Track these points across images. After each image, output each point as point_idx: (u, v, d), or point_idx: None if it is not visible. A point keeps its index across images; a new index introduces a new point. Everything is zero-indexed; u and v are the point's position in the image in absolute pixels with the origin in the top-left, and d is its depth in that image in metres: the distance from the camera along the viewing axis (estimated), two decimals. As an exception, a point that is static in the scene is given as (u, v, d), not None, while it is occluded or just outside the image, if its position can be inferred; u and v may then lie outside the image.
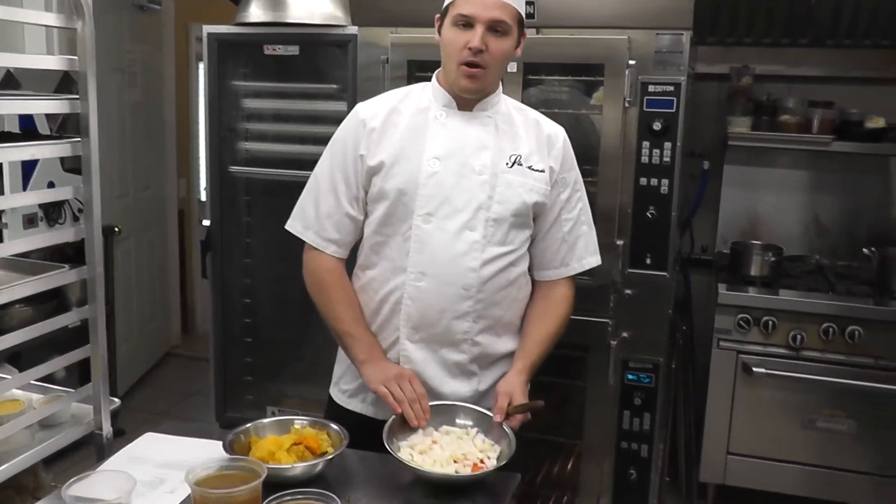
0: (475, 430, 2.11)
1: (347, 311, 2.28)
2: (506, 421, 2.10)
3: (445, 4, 2.19)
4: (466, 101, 2.24)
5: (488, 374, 2.32)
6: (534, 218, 2.29)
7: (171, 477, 1.92)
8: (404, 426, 2.07)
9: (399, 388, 2.11)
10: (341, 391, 2.42)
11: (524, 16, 2.20)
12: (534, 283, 2.39)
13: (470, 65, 2.13)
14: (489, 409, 2.15)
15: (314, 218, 2.30)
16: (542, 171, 2.26)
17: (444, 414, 2.13)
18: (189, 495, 1.81)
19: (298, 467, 1.84)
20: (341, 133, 2.31)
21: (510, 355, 2.32)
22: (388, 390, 2.11)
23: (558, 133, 2.35)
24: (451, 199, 2.18)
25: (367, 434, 2.06)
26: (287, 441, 1.94)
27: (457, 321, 2.22)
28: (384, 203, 2.22)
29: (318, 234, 2.30)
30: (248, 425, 2.02)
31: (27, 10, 2.07)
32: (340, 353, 2.44)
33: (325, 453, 1.93)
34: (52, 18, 2.07)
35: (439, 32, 2.22)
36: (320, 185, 2.30)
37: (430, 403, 2.13)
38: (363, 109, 2.29)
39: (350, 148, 2.26)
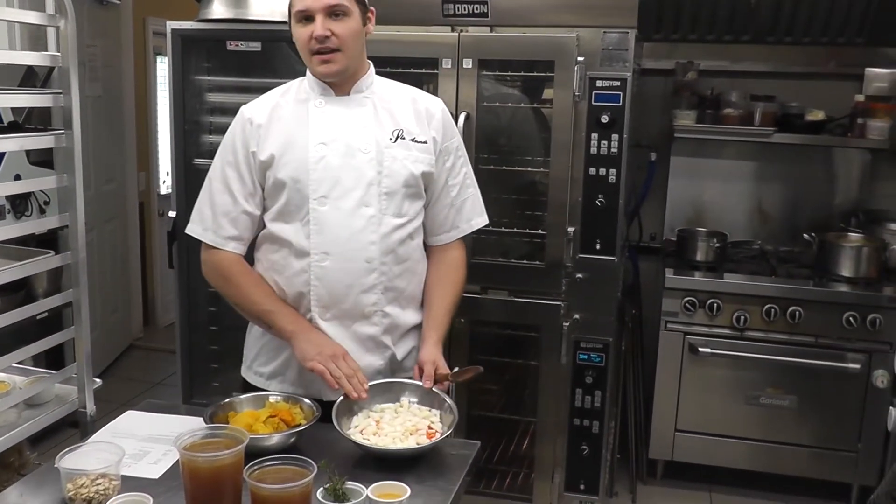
0: (407, 400, 2.22)
1: (260, 291, 2.33)
2: (437, 386, 2.22)
3: (288, 6, 2.28)
4: (341, 86, 2.32)
5: (400, 346, 2.41)
6: (425, 188, 2.39)
7: (154, 449, 2.04)
8: (341, 411, 2.13)
9: (335, 366, 2.18)
10: (258, 374, 2.45)
11: None
12: (428, 251, 2.49)
13: (321, 52, 2.23)
14: (410, 379, 2.28)
15: (211, 218, 2.34)
16: (425, 142, 2.35)
17: (378, 393, 2.22)
18: (172, 465, 1.95)
19: (275, 437, 1.97)
20: (230, 135, 2.35)
21: (417, 327, 2.44)
22: (325, 367, 2.18)
23: (436, 105, 2.42)
24: (342, 179, 2.25)
25: None
26: (263, 414, 2.07)
27: (364, 294, 2.29)
28: (282, 193, 2.29)
29: (216, 234, 2.33)
30: (226, 400, 2.14)
31: (13, 10, 2.16)
32: (249, 336, 2.50)
33: (298, 425, 2.06)
34: (36, 17, 2.17)
35: (292, 33, 2.30)
36: (213, 186, 2.35)
37: (372, 382, 2.22)
38: (247, 109, 2.36)
39: (240, 146, 2.31)
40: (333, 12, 2.20)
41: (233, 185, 2.32)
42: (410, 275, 2.39)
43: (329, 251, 2.26)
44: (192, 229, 2.38)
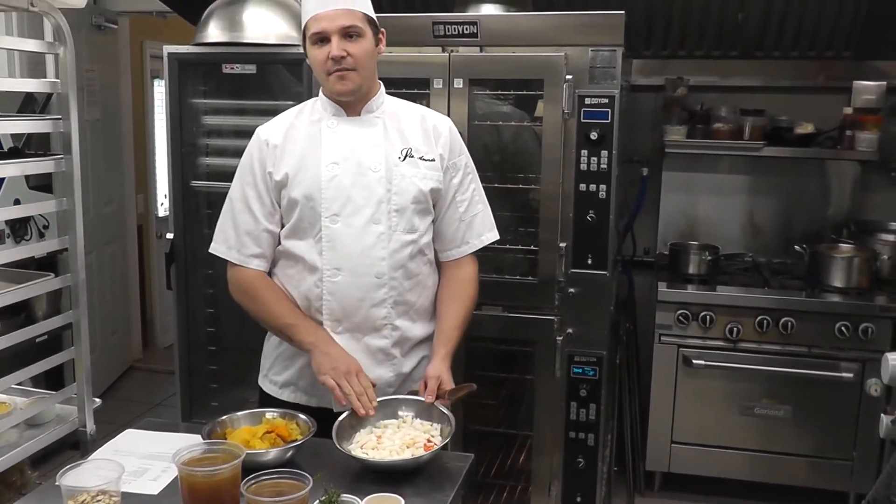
0: (409, 416, 2.26)
1: (282, 305, 2.41)
2: (437, 401, 2.27)
3: (302, 29, 2.36)
4: (353, 106, 2.41)
5: (409, 359, 2.49)
6: (434, 204, 2.46)
7: (154, 466, 2.08)
8: (344, 426, 2.17)
9: (347, 383, 2.24)
10: (272, 382, 2.54)
11: (374, 17, 2.36)
12: (440, 266, 2.56)
13: (337, 70, 2.30)
14: (415, 394, 2.33)
15: (234, 238, 2.43)
16: (433, 159, 2.43)
17: (379, 409, 2.25)
18: (171, 481, 1.99)
19: (272, 452, 2.01)
20: (247, 156, 2.44)
21: (427, 339, 2.50)
22: (337, 384, 2.24)
23: (444, 123, 2.51)
24: (353, 197, 2.34)
25: None
26: (260, 430, 2.11)
27: (375, 308, 2.38)
28: (295, 211, 2.37)
29: (239, 252, 2.43)
30: (224, 417, 2.18)
31: (13, 38, 2.22)
32: (267, 346, 2.59)
33: (294, 440, 2.10)
34: (35, 45, 2.23)
35: (307, 54, 2.38)
36: (235, 206, 2.44)
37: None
38: (263, 131, 2.45)
39: (257, 167, 2.41)
40: (348, 33, 2.29)
41: (253, 205, 2.42)
42: (421, 289, 2.47)
43: (340, 267, 2.35)
44: (216, 248, 2.48)
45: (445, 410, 2.24)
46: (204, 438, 2.05)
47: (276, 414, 2.22)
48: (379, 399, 2.28)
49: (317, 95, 2.49)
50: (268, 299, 2.42)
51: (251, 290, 2.44)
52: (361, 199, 2.34)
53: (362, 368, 2.31)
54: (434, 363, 2.38)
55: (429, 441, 2.13)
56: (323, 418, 2.21)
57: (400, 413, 2.26)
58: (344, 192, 2.34)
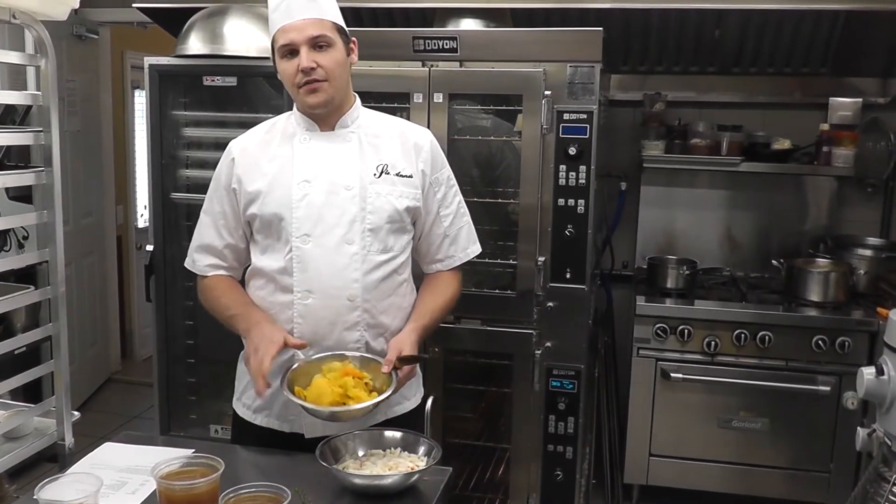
0: (397, 449, 2.18)
1: (230, 296, 2.39)
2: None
3: (271, 42, 2.30)
4: (326, 121, 2.35)
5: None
6: (413, 222, 2.42)
7: (132, 480, 2.07)
8: (325, 454, 2.08)
9: (250, 367, 2.19)
10: (245, 406, 2.47)
11: (343, 25, 2.31)
12: (422, 276, 2.54)
13: (308, 83, 2.25)
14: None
15: (196, 248, 2.46)
16: (411, 175, 2.37)
17: (368, 441, 2.18)
18: (149, 494, 1.98)
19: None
20: (218, 169, 2.43)
21: None
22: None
23: (425, 137, 2.45)
24: (325, 217, 2.28)
25: (275, 447, 2.26)
26: (333, 379, 2.15)
27: (347, 332, 2.31)
28: (265, 229, 2.33)
29: (200, 261, 2.46)
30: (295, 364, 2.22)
31: (-1, 50, 2.22)
32: (240, 368, 2.52)
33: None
34: (17, 57, 2.23)
35: (276, 69, 2.34)
36: (202, 217, 2.46)
37: (357, 430, 2.19)
38: (235, 144, 2.42)
39: (223, 179, 2.39)
40: (317, 44, 2.23)
41: (216, 218, 2.41)
42: (396, 310, 2.40)
43: (312, 289, 2.29)
44: (187, 259, 2.50)
45: (428, 439, 2.19)
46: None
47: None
48: (360, 430, 2.22)
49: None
50: (220, 292, 2.41)
51: (206, 290, 2.45)
52: (333, 219, 2.29)
53: (275, 338, 2.20)
54: (400, 334, 2.32)
55: (412, 469, 2.07)
56: (296, 444, 2.19)
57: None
58: (315, 212, 2.29)
